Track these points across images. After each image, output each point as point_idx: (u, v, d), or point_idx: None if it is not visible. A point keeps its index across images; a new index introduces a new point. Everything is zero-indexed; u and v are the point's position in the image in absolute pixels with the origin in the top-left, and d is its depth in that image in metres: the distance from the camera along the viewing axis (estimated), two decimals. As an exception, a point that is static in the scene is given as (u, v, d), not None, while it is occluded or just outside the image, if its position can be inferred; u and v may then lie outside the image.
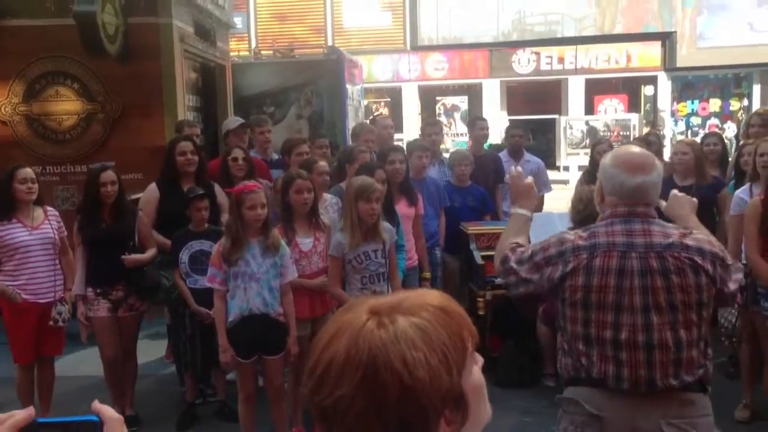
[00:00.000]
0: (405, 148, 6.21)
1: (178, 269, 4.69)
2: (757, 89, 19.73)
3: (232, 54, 10.10)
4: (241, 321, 4.11)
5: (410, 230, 5.36)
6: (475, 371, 1.01)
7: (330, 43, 17.52)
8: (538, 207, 7.01)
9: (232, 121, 6.66)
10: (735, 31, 18.71)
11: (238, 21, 14.88)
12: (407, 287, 5.33)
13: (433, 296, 1.01)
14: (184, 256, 4.68)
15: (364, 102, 13.62)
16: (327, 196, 5.10)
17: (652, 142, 6.56)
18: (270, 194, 4.73)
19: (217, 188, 5.17)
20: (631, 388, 2.37)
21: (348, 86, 9.92)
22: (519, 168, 2.92)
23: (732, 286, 2.45)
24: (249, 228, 4.09)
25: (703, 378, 2.44)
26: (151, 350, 5.99)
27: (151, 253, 4.78)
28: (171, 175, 5.11)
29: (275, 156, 6.47)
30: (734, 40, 18.55)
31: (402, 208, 5.26)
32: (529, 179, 2.82)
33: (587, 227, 2.52)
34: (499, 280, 4.65)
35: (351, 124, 9.17)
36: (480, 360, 1.07)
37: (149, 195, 5.12)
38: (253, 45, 17.08)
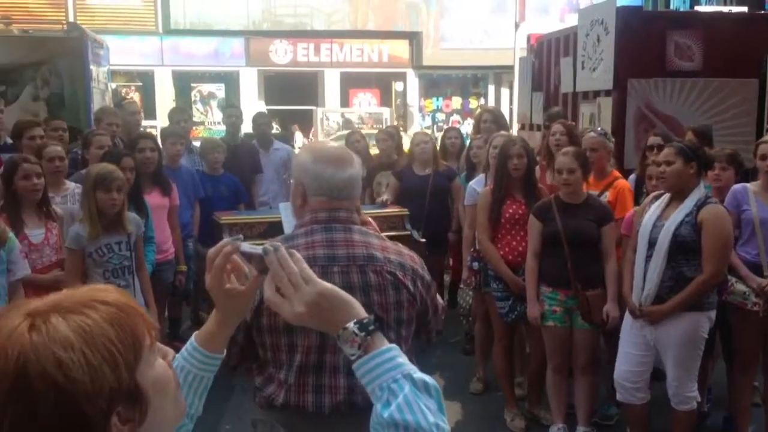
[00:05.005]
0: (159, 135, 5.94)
1: None
2: (491, 89, 21.69)
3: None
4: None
5: (164, 222, 5.14)
6: (159, 365, 0.99)
7: (71, 19, 16.20)
8: (288, 195, 7.11)
9: (-53, 101, 5.90)
10: (473, 35, 20.37)
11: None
12: (160, 281, 5.11)
13: (104, 293, 0.96)
14: None
15: (112, 85, 12.79)
16: (70, 185, 4.71)
17: (392, 134, 6.99)
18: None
19: None
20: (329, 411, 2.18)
21: (93, 67, 9.23)
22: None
23: (432, 307, 2.31)
24: (-37, 221, 3.65)
25: None
26: None
27: None
28: None
29: (9, 140, 5.84)
30: (472, 44, 20.19)
31: (155, 198, 5.03)
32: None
33: (289, 236, 2.23)
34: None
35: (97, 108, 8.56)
36: (170, 353, 1.04)
37: None
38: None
